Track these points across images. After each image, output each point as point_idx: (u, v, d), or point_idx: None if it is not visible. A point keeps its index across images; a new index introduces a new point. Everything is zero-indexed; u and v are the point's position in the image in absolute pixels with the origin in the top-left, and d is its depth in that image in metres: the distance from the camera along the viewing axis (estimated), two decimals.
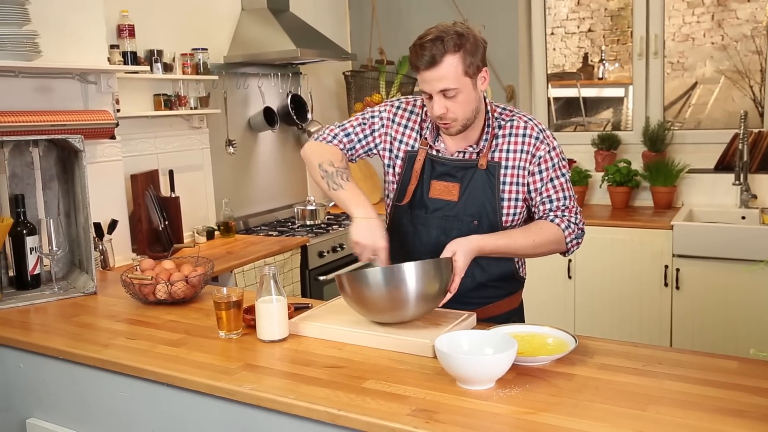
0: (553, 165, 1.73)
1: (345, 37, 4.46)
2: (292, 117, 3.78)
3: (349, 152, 1.86)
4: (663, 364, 1.35)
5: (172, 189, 3.10)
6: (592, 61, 5.67)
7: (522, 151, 1.72)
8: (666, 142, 3.78)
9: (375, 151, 1.87)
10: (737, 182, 3.47)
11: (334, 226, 3.53)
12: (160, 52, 3.04)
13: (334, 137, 1.85)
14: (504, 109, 1.79)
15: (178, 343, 1.57)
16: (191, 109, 3.22)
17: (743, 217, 3.50)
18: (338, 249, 3.40)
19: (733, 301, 3.15)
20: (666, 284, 3.30)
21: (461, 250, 1.57)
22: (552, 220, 1.71)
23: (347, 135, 1.85)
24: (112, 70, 2.68)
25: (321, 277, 3.29)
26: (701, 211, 3.60)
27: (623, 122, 5.49)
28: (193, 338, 1.61)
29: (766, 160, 3.55)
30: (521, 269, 1.85)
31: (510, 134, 1.74)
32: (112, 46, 2.80)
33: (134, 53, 2.88)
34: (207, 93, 3.30)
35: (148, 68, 2.89)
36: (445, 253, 1.57)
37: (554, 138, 1.76)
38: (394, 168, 1.84)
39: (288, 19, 3.60)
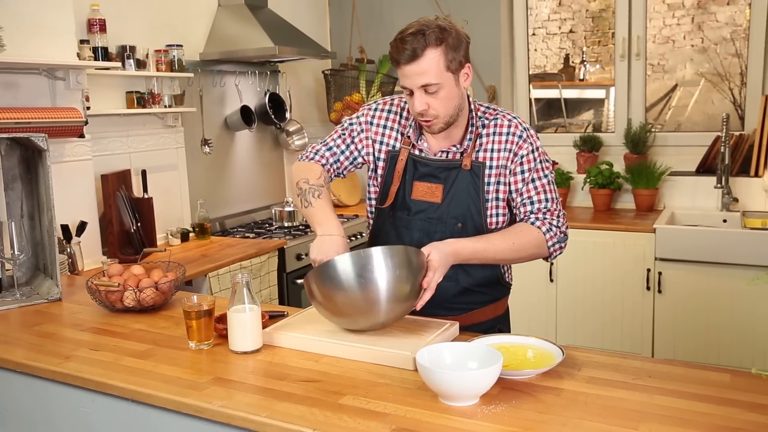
0: (535, 165, 1.67)
1: (324, 34, 4.38)
2: (270, 116, 3.69)
3: (335, 166, 1.80)
4: (653, 378, 1.30)
5: (145, 189, 3.00)
6: (573, 62, 5.66)
7: (505, 149, 1.66)
8: (648, 144, 3.76)
9: (361, 160, 1.80)
10: (719, 185, 3.45)
11: None
12: (132, 48, 2.94)
13: (315, 153, 1.79)
14: (488, 107, 1.73)
15: (144, 355, 1.49)
16: (165, 107, 3.12)
17: (725, 221, 3.48)
18: None
19: (715, 305, 3.13)
20: (648, 288, 3.27)
21: (436, 251, 1.50)
22: (533, 223, 1.65)
23: (329, 149, 1.79)
24: (82, 66, 2.59)
25: (299, 281, 3.21)
26: (683, 214, 3.59)
27: (604, 124, 5.48)
28: (162, 349, 1.53)
29: (747, 163, 3.54)
30: (507, 274, 1.79)
31: (494, 133, 1.68)
32: (81, 41, 2.70)
33: (105, 49, 2.78)
34: (182, 91, 3.21)
35: (119, 64, 2.79)
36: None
37: (538, 138, 1.71)
38: (376, 171, 1.77)
39: (266, 16, 3.51)
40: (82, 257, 2.58)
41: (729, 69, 4.14)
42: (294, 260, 3.22)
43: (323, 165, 1.77)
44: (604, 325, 3.41)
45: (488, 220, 1.68)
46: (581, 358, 1.41)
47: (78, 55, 2.63)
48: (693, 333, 3.20)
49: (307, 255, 3.27)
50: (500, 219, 1.70)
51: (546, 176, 1.68)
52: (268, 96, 3.71)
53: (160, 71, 3.07)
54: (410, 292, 1.44)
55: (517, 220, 1.70)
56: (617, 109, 3.97)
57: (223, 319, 1.55)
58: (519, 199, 1.67)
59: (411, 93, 1.58)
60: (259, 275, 2.99)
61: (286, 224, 3.53)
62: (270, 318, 1.67)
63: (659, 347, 3.29)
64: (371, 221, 1.82)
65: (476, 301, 1.74)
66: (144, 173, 3.00)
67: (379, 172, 1.76)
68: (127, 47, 2.92)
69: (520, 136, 1.67)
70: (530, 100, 4.31)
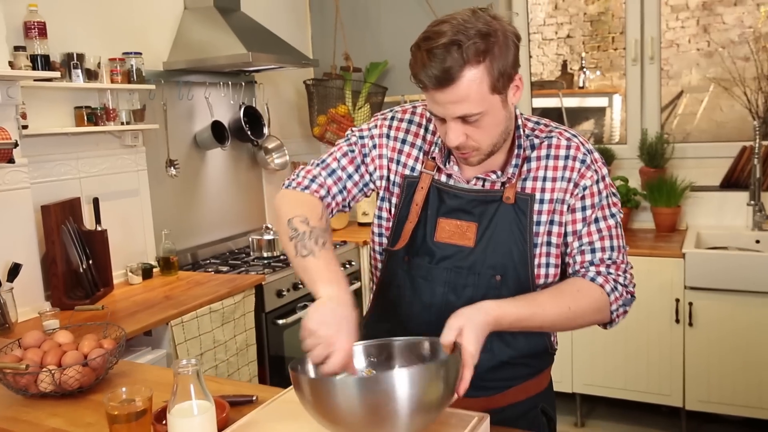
0: (600, 201, 1.26)
1: (305, 40, 3.99)
2: (245, 132, 3.29)
3: (339, 197, 1.34)
4: None
5: (98, 221, 2.58)
6: (571, 68, 5.33)
7: (563, 178, 1.25)
8: (666, 156, 3.38)
9: (372, 187, 1.37)
10: (752, 202, 3.08)
11: None
12: (80, 56, 2.52)
13: (312, 180, 1.33)
14: (538, 122, 1.32)
15: None
16: (123, 124, 2.70)
17: (758, 241, 3.11)
18: (300, 286, 2.90)
19: (755, 340, 2.75)
20: (677, 320, 2.88)
21: (471, 327, 1.07)
22: (593, 279, 1.23)
23: (332, 174, 1.33)
24: (15, 77, 2.19)
25: (280, 321, 2.79)
26: (709, 234, 3.21)
27: (606, 134, 5.12)
28: None
29: None
30: (555, 339, 1.38)
31: (547, 156, 1.26)
32: (16, 48, 2.29)
33: (46, 57, 2.37)
34: (142, 105, 2.79)
35: (58, 74, 2.36)
36: (447, 332, 1.07)
37: (604, 164, 1.29)
38: (390, 201, 1.35)
39: (238, 20, 3.11)
40: (16, 307, 2.15)
41: (743, 73, 3.80)
42: (274, 297, 2.79)
43: (323, 198, 1.32)
44: (627, 363, 3.01)
45: (535, 271, 1.26)
46: None
47: (11, 63, 2.22)
48: (730, 372, 2.82)
49: (288, 291, 2.85)
50: (551, 272, 1.28)
51: (613, 216, 1.27)
52: (243, 109, 3.31)
53: (115, 83, 2.66)
54: (439, 404, 1.03)
55: (570, 271, 1.28)
56: (629, 118, 3.60)
57: (164, 415, 1.13)
58: (576, 245, 1.26)
59: (442, 120, 1.17)
60: (232, 318, 2.56)
61: (264, 254, 3.12)
62: (232, 406, 1.24)
63: (691, 388, 2.90)
64: (378, 264, 1.39)
65: (515, 376, 1.31)
66: (96, 201, 2.57)
67: (393, 201, 1.34)
68: (74, 55, 2.50)
69: (583, 161, 1.26)
70: (532, 110, 3.94)
